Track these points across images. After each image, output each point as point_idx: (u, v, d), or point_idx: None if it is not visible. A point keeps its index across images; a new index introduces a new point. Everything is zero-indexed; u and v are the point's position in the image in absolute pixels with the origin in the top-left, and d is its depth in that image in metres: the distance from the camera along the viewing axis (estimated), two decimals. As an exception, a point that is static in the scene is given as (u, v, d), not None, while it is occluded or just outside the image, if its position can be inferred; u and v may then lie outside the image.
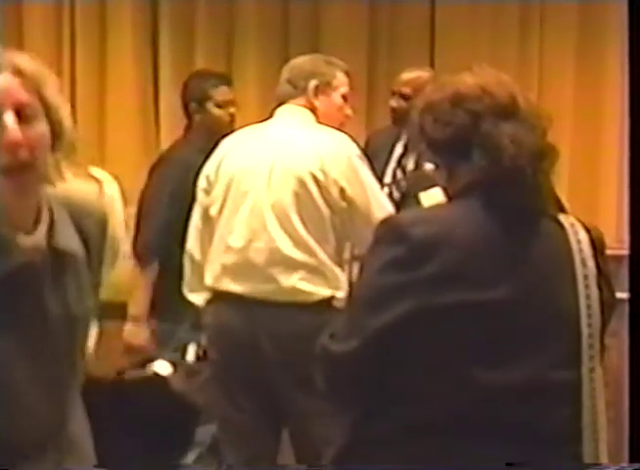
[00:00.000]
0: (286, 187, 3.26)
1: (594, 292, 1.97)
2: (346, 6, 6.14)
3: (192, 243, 3.49)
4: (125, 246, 3.68)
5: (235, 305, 3.32)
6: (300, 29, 6.11)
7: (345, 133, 3.41)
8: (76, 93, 6.06)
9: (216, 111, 4.16)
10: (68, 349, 1.78)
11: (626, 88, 2.60)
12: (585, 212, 5.19)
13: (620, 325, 2.16)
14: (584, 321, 1.96)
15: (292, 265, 3.24)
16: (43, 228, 1.72)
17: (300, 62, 3.53)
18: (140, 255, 4.05)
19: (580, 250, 1.98)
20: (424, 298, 1.88)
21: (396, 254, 1.91)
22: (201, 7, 6.13)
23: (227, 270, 3.33)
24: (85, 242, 1.81)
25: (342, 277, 3.30)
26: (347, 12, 6.15)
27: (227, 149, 3.45)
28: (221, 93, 4.21)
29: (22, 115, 1.66)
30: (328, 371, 1.99)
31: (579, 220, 2.04)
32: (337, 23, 6.14)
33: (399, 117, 4.51)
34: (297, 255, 3.24)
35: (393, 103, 4.53)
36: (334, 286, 3.28)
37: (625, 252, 2.37)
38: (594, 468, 1.95)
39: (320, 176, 3.24)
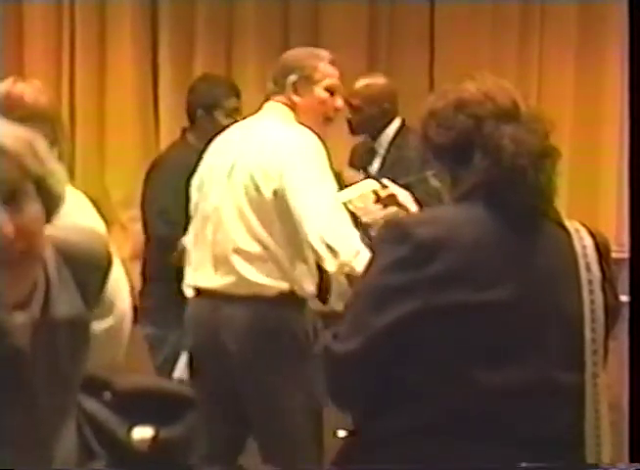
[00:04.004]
0: (240, 182, 3.25)
1: (598, 297, 1.98)
2: (346, 8, 6.14)
3: (188, 239, 3.50)
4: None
5: (201, 299, 3.33)
6: (300, 32, 6.11)
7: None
8: (76, 95, 6.06)
9: (224, 119, 4.11)
10: (61, 403, 1.73)
11: (626, 90, 2.60)
12: (585, 216, 5.19)
13: (620, 328, 2.16)
14: (588, 326, 1.96)
15: (247, 258, 3.22)
16: (39, 299, 1.66)
17: (285, 57, 3.48)
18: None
19: (585, 255, 1.99)
20: (427, 298, 1.89)
21: (400, 254, 1.91)
22: (200, 9, 6.13)
23: (197, 265, 3.35)
24: (85, 293, 1.75)
25: (306, 271, 3.25)
26: (347, 14, 6.16)
27: (212, 147, 3.47)
28: (231, 103, 4.19)
29: (11, 200, 1.56)
30: (331, 371, 2.00)
31: (584, 226, 2.05)
32: (336, 25, 6.14)
33: (354, 129, 4.53)
34: (252, 247, 3.22)
35: (348, 114, 4.51)
36: (292, 279, 3.24)
37: (625, 255, 2.37)
38: (595, 469, 1.96)
39: (266, 167, 3.20)
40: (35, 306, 1.65)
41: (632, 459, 2.08)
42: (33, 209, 1.59)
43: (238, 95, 4.29)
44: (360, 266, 3.02)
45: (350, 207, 3.31)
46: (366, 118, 4.48)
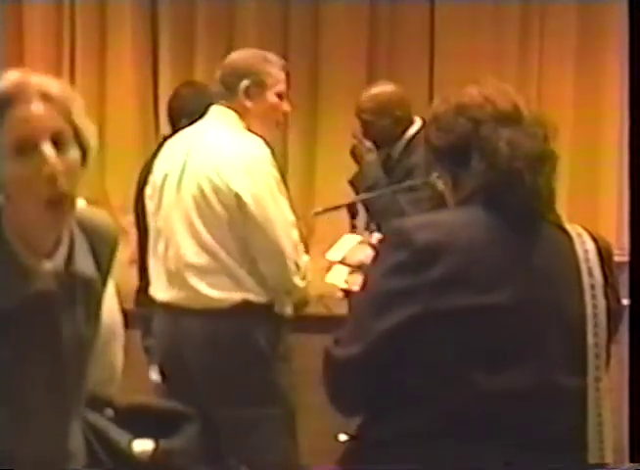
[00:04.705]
0: (189, 192, 3.21)
1: (601, 302, 1.97)
2: (346, 9, 6.15)
3: (149, 250, 3.46)
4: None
5: (161, 313, 3.32)
6: (300, 34, 6.12)
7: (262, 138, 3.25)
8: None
9: None
10: (76, 371, 1.77)
11: (626, 91, 2.60)
12: (586, 219, 5.19)
13: (620, 331, 2.16)
14: (590, 331, 1.96)
15: (199, 272, 3.20)
16: (63, 252, 1.73)
17: (234, 59, 3.39)
18: None
19: (587, 259, 1.98)
20: (428, 302, 1.89)
21: (400, 258, 1.92)
22: (200, 11, 6.13)
23: (154, 278, 3.34)
24: (97, 264, 1.81)
25: (264, 278, 3.21)
26: (347, 15, 6.16)
27: (162, 154, 3.42)
28: None
29: (57, 142, 1.64)
30: (332, 376, 2.00)
31: (586, 230, 2.04)
32: (337, 26, 6.14)
33: (380, 141, 4.30)
34: (202, 260, 3.19)
35: (360, 128, 4.30)
36: (246, 289, 3.20)
37: (625, 258, 2.37)
38: (596, 469, 1.96)
39: (216, 180, 3.16)
40: (60, 258, 1.72)
41: (632, 460, 2.09)
42: (75, 153, 1.68)
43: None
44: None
45: (347, 261, 3.31)
46: (379, 131, 4.26)
